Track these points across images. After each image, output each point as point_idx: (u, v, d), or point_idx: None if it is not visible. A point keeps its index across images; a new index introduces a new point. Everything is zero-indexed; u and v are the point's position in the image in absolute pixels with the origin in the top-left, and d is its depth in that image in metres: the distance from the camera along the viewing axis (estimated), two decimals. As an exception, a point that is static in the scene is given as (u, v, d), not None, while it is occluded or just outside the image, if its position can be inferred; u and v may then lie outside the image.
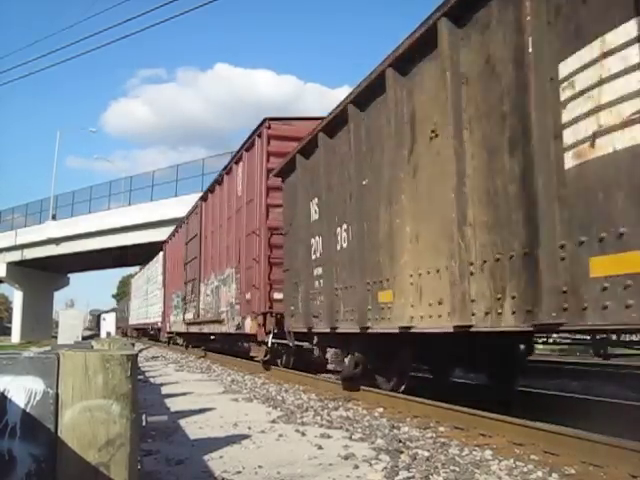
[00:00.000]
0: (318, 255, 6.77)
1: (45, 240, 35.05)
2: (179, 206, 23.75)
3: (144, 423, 2.34)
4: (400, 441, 4.04)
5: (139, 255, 32.85)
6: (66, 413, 1.95)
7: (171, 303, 19.10)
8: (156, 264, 24.41)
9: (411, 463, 3.41)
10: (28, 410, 1.94)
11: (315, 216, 6.92)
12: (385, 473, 3.19)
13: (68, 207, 35.63)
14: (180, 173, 29.95)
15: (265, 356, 9.52)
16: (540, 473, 3.18)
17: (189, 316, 15.36)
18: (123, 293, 70.29)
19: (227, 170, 12.19)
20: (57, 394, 1.96)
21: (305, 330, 7.12)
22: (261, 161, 9.51)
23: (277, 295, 8.92)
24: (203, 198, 14.56)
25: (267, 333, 8.92)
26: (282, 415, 5.29)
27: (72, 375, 1.97)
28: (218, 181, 13.00)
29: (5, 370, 1.95)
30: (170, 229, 21.56)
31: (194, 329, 14.95)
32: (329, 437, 4.27)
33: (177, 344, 19.05)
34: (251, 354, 10.41)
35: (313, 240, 6.94)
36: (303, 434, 4.40)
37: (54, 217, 35.97)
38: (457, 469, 3.28)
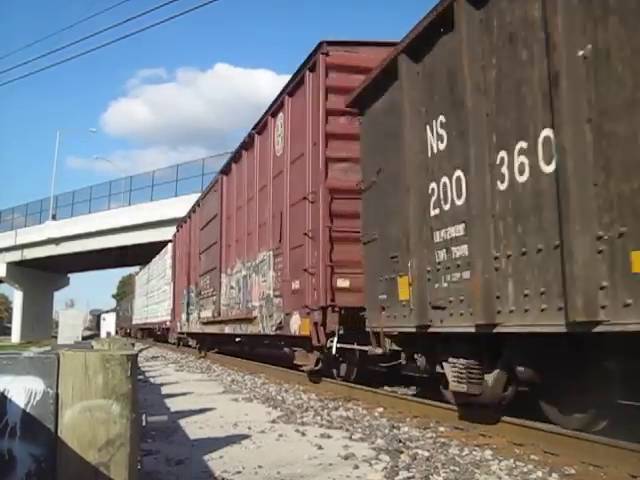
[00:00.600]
0: (447, 207, 4.32)
1: (45, 240, 35.04)
2: (179, 206, 23.73)
3: (144, 423, 2.34)
4: (400, 441, 4.04)
5: (139, 255, 32.87)
6: (66, 413, 1.95)
7: (182, 300, 16.83)
8: (164, 257, 22.24)
9: (411, 463, 3.41)
10: (28, 410, 1.94)
11: (439, 146, 4.48)
12: (385, 473, 3.19)
13: (68, 207, 35.67)
14: (180, 173, 29.97)
15: (316, 365, 7.29)
16: (540, 473, 3.18)
17: (206, 314, 13.06)
18: (123, 293, 70.35)
19: (258, 128, 9.61)
20: (57, 394, 1.97)
21: (413, 330, 4.70)
22: (316, 101, 7.04)
23: (342, 282, 6.65)
24: (224, 171, 12.12)
25: (328, 335, 6.57)
26: (282, 415, 5.30)
27: (72, 375, 1.97)
28: (245, 145, 10.43)
29: (5, 370, 1.96)
30: (170, 229, 21.49)
31: (212, 329, 12.64)
32: (329, 437, 4.28)
33: (189, 346, 16.71)
34: (295, 362, 7.98)
35: (433, 186, 4.52)
36: (303, 434, 4.40)
37: (54, 217, 35.97)
38: (457, 469, 3.28)
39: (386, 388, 6.81)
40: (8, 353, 2.07)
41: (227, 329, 11.23)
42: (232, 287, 10.98)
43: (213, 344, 14.62)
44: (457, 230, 4.22)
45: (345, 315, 6.55)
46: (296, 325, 7.28)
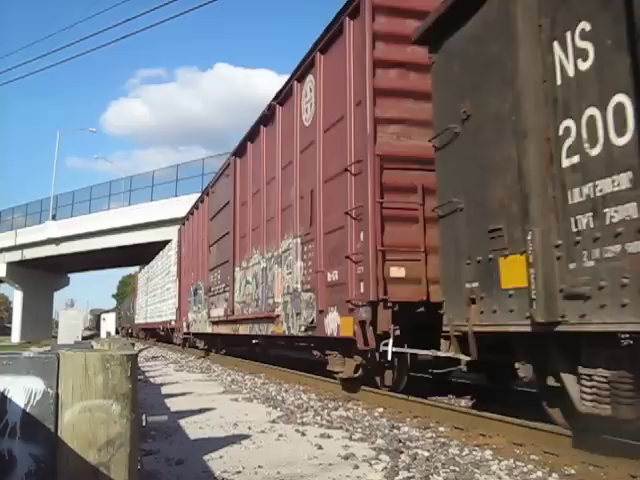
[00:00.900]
0: (595, 151, 3.08)
1: (45, 240, 35.07)
2: (179, 206, 23.73)
3: (144, 423, 2.34)
4: (400, 441, 4.04)
5: (139, 255, 32.90)
6: (66, 413, 1.95)
7: (189, 298, 15.77)
8: (168, 253, 21.31)
9: (411, 463, 3.42)
10: (28, 410, 1.94)
11: (578, 66, 3.22)
12: (385, 473, 3.20)
13: (68, 207, 35.67)
14: (180, 173, 29.97)
15: (355, 372, 6.15)
16: (540, 473, 3.19)
17: (217, 312, 11.87)
18: (123, 293, 70.38)
19: (280, 98, 8.38)
20: (57, 394, 1.97)
21: (528, 329, 3.42)
22: (360, 51, 5.84)
23: (396, 271, 5.49)
24: (237, 153, 10.93)
25: (379, 336, 5.37)
26: (282, 415, 5.30)
27: (72, 375, 1.97)
28: (263, 120, 9.15)
29: (5, 370, 1.96)
30: (170, 229, 21.44)
31: (224, 329, 11.45)
32: (329, 437, 4.28)
33: (196, 348, 15.59)
34: (329, 368, 6.72)
35: (568, 124, 3.27)
36: (303, 434, 4.40)
37: (54, 217, 35.99)
38: (457, 469, 3.29)
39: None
40: (8, 353, 2.07)
41: (242, 329, 10.06)
42: (248, 282, 9.77)
43: (224, 346, 13.60)
44: (617, 182, 2.95)
45: (398, 312, 5.41)
46: (334, 325, 6.12)
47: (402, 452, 3.67)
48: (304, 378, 8.08)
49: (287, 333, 7.62)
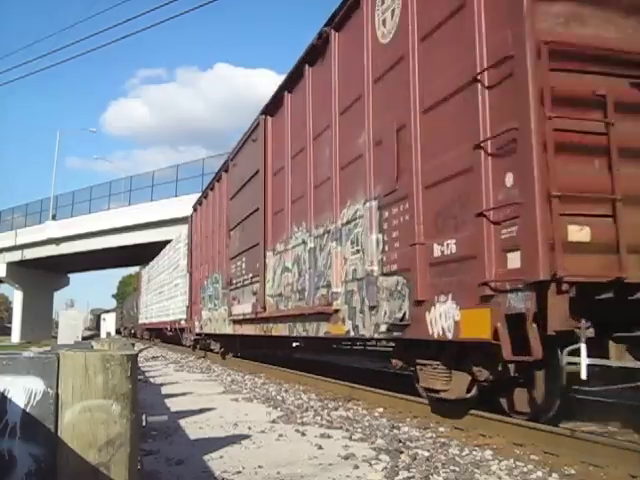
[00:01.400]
0: None
1: (45, 240, 35.07)
2: (179, 206, 23.73)
3: (144, 423, 2.34)
4: (400, 441, 4.04)
5: (139, 255, 32.90)
6: (66, 413, 1.95)
7: (202, 293, 13.78)
8: (177, 245, 19.36)
9: (411, 463, 3.42)
10: (28, 410, 1.94)
11: None
12: (385, 473, 3.20)
13: (68, 207, 35.66)
14: (180, 173, 29.93)
15: (469, 391, 4.41)
16: (540, 473, 3.19)
17: (242, 309, 9.71)
18: (123, 293, 70.32)
19: (337, 20, 6.25)
20: (57, 394, 1.97)
21: None
22: None
23: (577, 232, 3.41)
24: (268, 111, 8.72)
25: (559, 335, 3.33)
26: (282, 415, 5.30)
27: (72, 375, 1.97)
28: (309, 56, 7.05)
29: (5, 370, 1.96)
30: (170, 229, 21.34)
31: (251, 330, 9.28)
32: (329, 437, 4.28)
33: (209, 350, 13.59)
34: (423, 385, 4.79)
35: None
36: (303, 434, 4.41)
37: (54, 217, 35.99)
38: (457, 469, 3.29)
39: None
40: (8, 353, 2.07)
41: (277, 330, 7.97)
42: (287, 269, 7.68)
43: (247, 349, 11.58)
44: None
45: (575, 299, 3.32)
46: (447, 321, 4.05)
47: (402, 452, 3.67)
48: (304, 378, 8.09)
49: (353, 334, 5.61)
